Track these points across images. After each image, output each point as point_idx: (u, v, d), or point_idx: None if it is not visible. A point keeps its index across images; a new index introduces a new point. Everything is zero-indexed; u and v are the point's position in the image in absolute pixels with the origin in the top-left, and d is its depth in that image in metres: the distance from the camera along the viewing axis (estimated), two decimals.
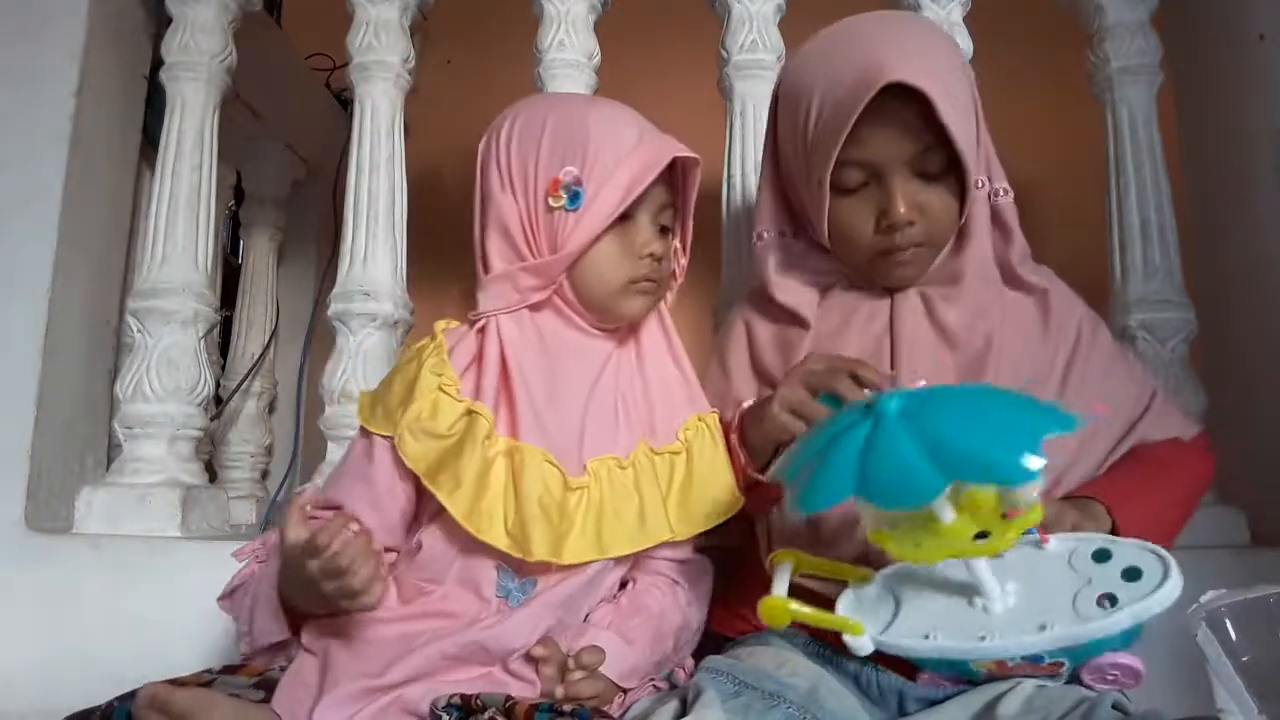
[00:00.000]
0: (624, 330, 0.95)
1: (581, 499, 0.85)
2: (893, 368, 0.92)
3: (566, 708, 0.74)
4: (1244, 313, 1.41)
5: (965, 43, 1.33)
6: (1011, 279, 0.96)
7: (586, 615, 0.89)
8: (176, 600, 1.17)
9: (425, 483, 0.84)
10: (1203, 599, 0.74)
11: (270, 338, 2.03)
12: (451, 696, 0.75)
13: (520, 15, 1.44)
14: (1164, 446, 0.97)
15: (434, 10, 1.48)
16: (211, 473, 1.80)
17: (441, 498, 0.82)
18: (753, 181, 1.30)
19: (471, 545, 0.84)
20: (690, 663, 0.97)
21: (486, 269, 0.91)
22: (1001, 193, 0.94)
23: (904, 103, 0.84)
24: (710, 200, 1.35)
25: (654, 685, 0.91)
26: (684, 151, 0.89)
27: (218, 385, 1.77)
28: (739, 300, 1.09)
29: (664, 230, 0.92)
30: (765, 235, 1.00)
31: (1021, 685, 0.79)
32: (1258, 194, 1.38)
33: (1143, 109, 1.35)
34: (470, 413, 0.85)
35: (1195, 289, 1.33)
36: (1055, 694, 0.77)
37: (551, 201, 0.86)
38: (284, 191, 2.13)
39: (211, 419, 1.49)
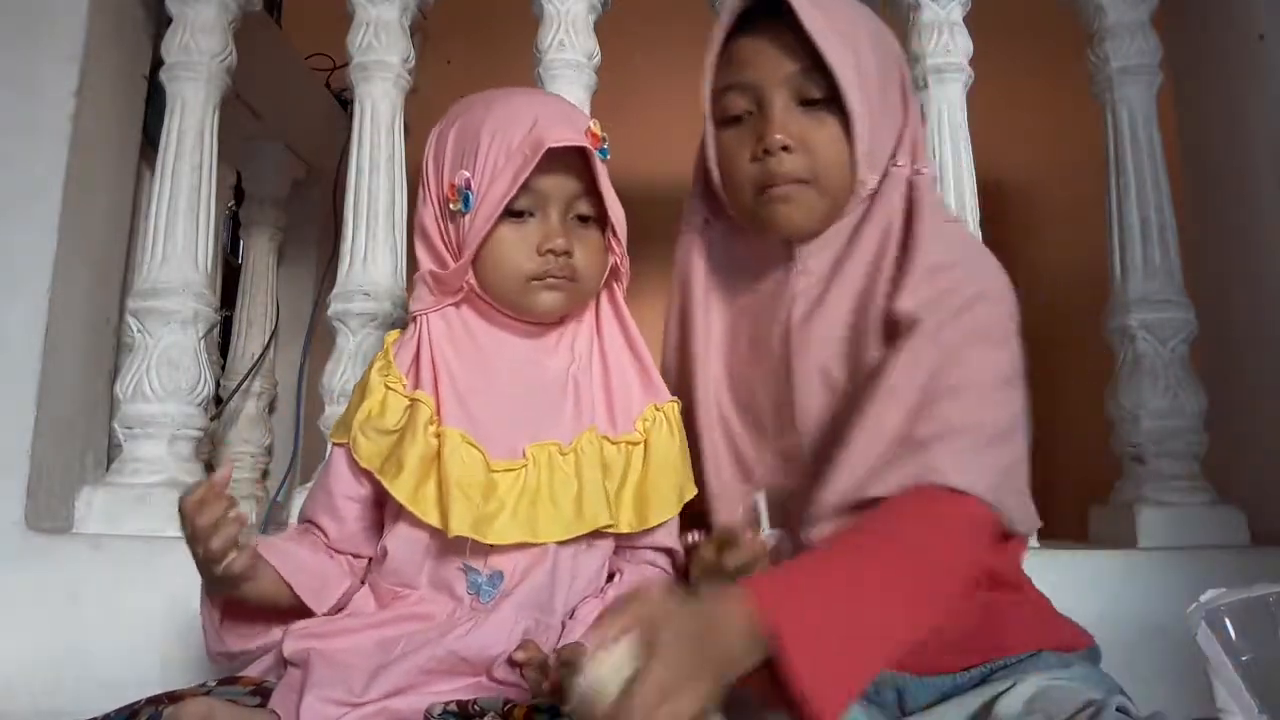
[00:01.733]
0: (575, 320, 0.94)
1: (516, 481, 0.85)
2: (791, 392, 0.86)
3: (567, 708, 0.74)
4: (1244, 313, 1.41)
5: (965, 43, 1.33)
6: (903, 249, 0.85)
7: (573, 612, 0.88)
8: (176, 600, 1.16)
9: (377, 476, 0.86)
10: (1203, 599, 0.74)
11: (270, 338, 2.03)
12: (447, 704, 0.75)
13: (520, 15, 1.44)
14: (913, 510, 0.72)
15: (434, 10, 1.48)
16: (212, 473, 1.79)
17: (387, 484, 0.85)
18: None
19: (436, 545, 0.85)
20: None
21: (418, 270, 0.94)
22: (920, 171, 0.87)
23: (783, 23, 0.82)
24: None
25: None
26: (564, 141, 0.84)
27: (218, 385, 1.77)
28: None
29: (585, 220, 0.90)
30: (693, 219, 0.95)
31: (1022, 684, 0.79)
32: (1258, 194, 1.38)
33: (1143, 109, 1.35)
34: (414, 402, 0.87)
35: (1195, 289, 1.33)
36: (1058, 694, 0.77)
37: (452, 206, 0.88)
38: (284, 191, 2.12)
39: (211, 419, 1.49)
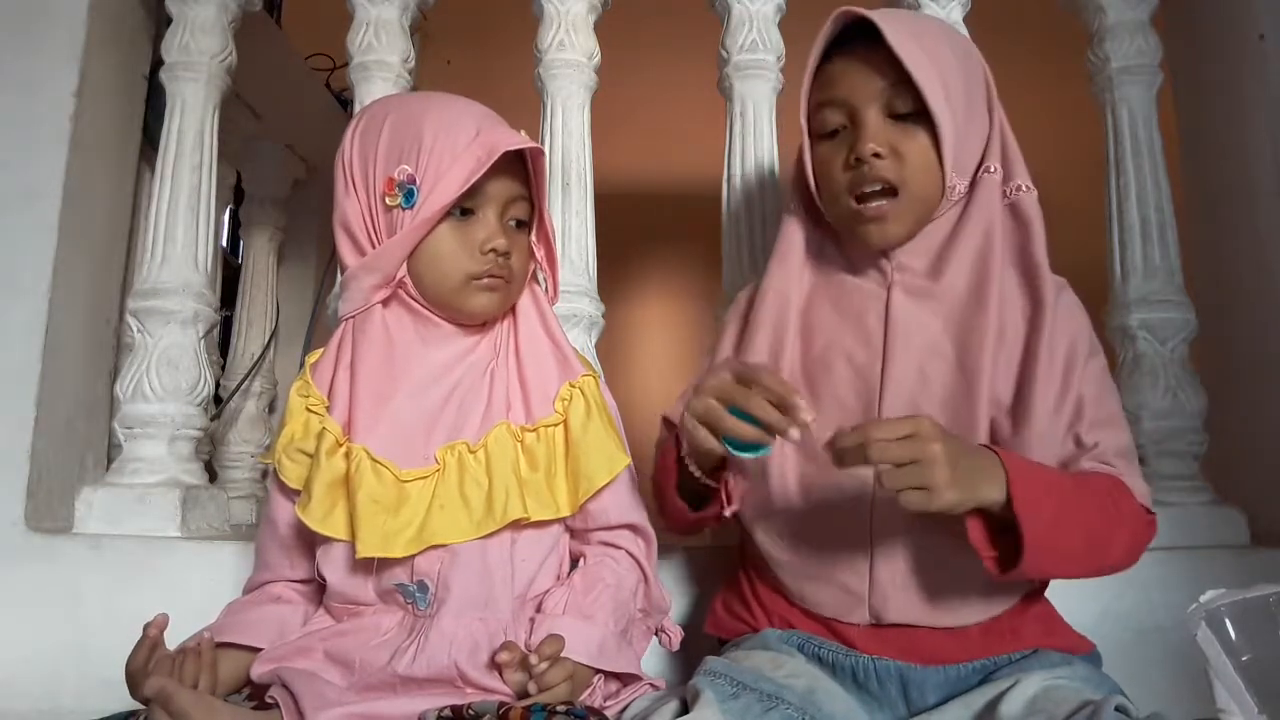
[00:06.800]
0: (493, 320, 0.95)
1: (427, 489, 0.86)
2: (884, 360, 0.91)
3: (561, 708, 0.74)
4: (1244, 313, 1.41)
5: None
6: (1027, 271, 0.93)
7: (540, 605, 0.88)
8: (176, 600, 1.15)
9: (294, 503, 0.87)
10: (1203, 599, 0.74)
11: (270, 338, 2.03)
12: (441, 710, 0.75)
13: (520, 15, 1.44)
14: (1108, 479, 0.87)
15: (434, 10, 1.48)
16: (211, 473, 1.80)
17: (297, 510, 0.87)
18: (752, 181, 1.30)
19: (364, 561, 0.86)
20: (677, 629, 0.98)
21: (342, 272, 0.93)
22: (1023, 189, 0.94)
23: (873, 44, 0.88)
24: (710, 200, 1.36)
25: (650, 685, 0.92)
26: (517, 144, 0.88)
27: (218, 385, 1.77)
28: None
29: (520, 225, 0.93)
30: (792, 207, 1.00)
31: (1024, 683, 0.79)
32: (1258, 194, 1.38)
33: (1143, 109, 1.35)
34: (323, 429, 0.88)
35: (1195, 289, 1.33)
36: (1058, 695, 0.78)
37: (388, 200, 0.88)
38: (284, 191, 2.13)
39: (211, 419, 1.49)
